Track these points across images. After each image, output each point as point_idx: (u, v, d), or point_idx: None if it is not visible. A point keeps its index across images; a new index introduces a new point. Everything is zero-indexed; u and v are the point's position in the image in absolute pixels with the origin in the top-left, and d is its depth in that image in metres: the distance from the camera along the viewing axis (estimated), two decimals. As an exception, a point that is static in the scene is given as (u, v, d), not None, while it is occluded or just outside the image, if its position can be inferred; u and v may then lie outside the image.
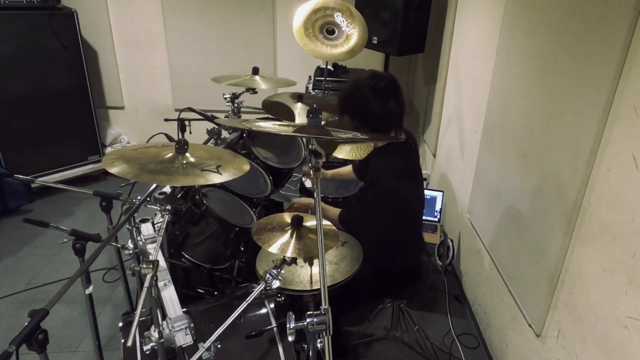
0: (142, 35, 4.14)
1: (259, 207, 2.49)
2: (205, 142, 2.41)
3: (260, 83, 2.53)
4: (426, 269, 2.11)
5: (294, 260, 1.60)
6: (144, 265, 1.25)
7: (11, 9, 3.31)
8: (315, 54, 2.57)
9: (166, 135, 2.16)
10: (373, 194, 1.85)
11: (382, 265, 1.98)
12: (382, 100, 1.74)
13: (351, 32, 2.65)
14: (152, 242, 1.75)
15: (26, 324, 1.09)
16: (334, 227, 1.73)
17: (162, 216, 1.54)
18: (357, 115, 1.78)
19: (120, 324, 1.76)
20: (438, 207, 3.00)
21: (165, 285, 1.66)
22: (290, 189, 3.77)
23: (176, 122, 2.19)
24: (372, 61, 4.05)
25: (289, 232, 1.60)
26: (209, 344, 1.40)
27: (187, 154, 1.42)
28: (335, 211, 1.93)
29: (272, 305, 1.79)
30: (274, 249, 1.54)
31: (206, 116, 2.34)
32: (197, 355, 1.37)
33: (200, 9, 4.00)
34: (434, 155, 3.58)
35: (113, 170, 1.28)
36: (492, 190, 2.31)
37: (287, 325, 1.16)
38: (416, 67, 4.21)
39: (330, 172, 2.37)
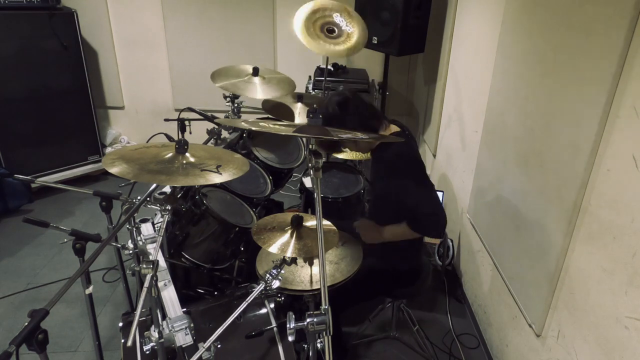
0: (142, 35, 4.13)
1: (259, 207, 2.49)
2: (205, 142, 2.41)
3: (257, 87, 2.51)
4: (426, 268, 2.12)
5: (294, 260, 1.61)
6: (144, 265, 1.25)
7: (11, 9, 3.31)
8: (319, 50, 2.56)
9: (166, 135, 2.16)
10: (373, 196, 1.85)
11: (385, 265, 1.99)
12: (345, 108, 1.83)
13: (351, 31, 2.65)
14: (152, 242, 1.76)
15: (26, 324, 1.09)
16: (334, 227, 1.73)
17: (162, 216, 1.54)
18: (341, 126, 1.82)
19: (120, 324, 1.77)
20: (438, 207, 2.99)
21: (165, 285, 1.66)
22: (290, 189, 3.77)
23: (176, 122, 2.19)
24: (372, 61, 4.05)
25: (289, 232, 1.60)
26: (209, 344, 1.40)
27: (187, 154, 1.42)
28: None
29: (272, 305, 1.79)
30: (274, 249, 1.54)
31: (206, 116, 2.35)
32: (197, 355, 1.38)
33: (200, 9, 4.00)
34: (434, 155, 3.58)
35: (113, 170, 1.28)
36: (492, 190, 2.31)
37: (287, 325, 1.16)
38: (416, 67, 4.20)
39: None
